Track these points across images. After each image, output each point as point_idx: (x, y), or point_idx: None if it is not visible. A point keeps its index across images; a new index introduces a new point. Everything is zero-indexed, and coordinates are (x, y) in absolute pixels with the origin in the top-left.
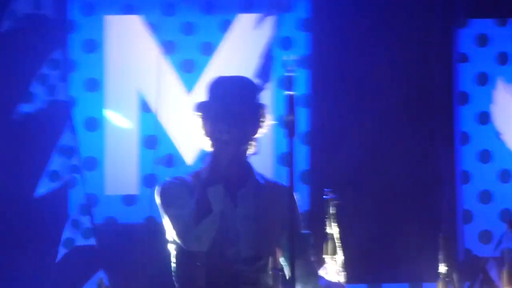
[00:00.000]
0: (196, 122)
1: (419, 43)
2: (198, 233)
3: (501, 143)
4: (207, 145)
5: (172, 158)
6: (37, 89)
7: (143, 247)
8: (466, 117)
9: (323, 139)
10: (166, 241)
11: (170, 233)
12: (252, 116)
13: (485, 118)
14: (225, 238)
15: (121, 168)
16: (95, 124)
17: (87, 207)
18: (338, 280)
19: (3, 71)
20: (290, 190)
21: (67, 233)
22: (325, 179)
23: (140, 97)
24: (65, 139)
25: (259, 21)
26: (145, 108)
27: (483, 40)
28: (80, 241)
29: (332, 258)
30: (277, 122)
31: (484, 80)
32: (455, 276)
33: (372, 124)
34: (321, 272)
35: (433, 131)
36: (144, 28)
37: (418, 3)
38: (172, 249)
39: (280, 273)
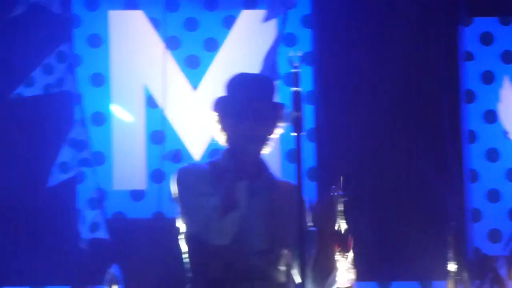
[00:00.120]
0: (212, 116)
1: (423, 41)
2: (223, 228)
3: (508, 142)
4: (222, 140)
5: (179, 154)
6: (46, 79)
7: (150, 242)
8: (472, 115)
9: (329, 136)
10: (178, 230)
11: (188, 222)
12: (274, 115)
13: (491, 116)
14: (240, 231)
15: (128, 163)
16: (101, 119)
17: (98, 201)
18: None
19: (10, 60)
20: (299, 188)
21: (76, 227)
22: (332, 175)
23: (146, 93)
24: (75, 132)
25: (264, 18)
26: (151, 103)
27: (487, 39)
28: (89, 235)
29: (342, 255)
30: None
31: (490, 78)
32: (464, 275)
33: (378, 123)
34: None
35: (440, 129)
36: (148, 23)
37: (423, 1)
38: (185, 238)
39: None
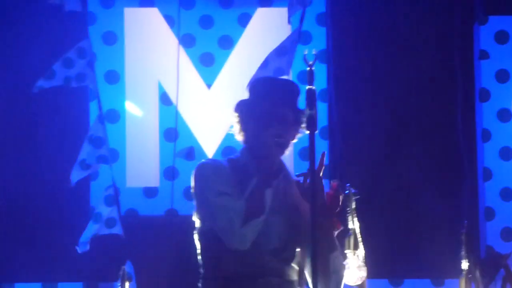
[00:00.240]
0: (232, 117)
1: (439, 39)
2: (245, 234)
3: None
4: (240, 139)
5: (192, 151)
6: (66, 72)
7: (163, 239)
8: (487, 114)
9: (342, 134)
10: (191, 227)
11: (205, 219)
12: (297, 121)
13: (506, 115)
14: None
15: (142, 160)
16: (115, 116)
17: (114, 198)
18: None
19: (28, 55)
20: (311, 186)
21: (90, 223)
22: (345, 174)
23: (160, 90)
24: (94, 129)
25: (288, 15)
26: (165, 100)
27: (503, 37)
28: (104, 232)
29: (353, 252)
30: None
31: (505, 77)
32: (477, 273)
33: (392, 121)
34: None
35: (454, 127)
36: (163, 20)
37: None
38: (199, 234)
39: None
